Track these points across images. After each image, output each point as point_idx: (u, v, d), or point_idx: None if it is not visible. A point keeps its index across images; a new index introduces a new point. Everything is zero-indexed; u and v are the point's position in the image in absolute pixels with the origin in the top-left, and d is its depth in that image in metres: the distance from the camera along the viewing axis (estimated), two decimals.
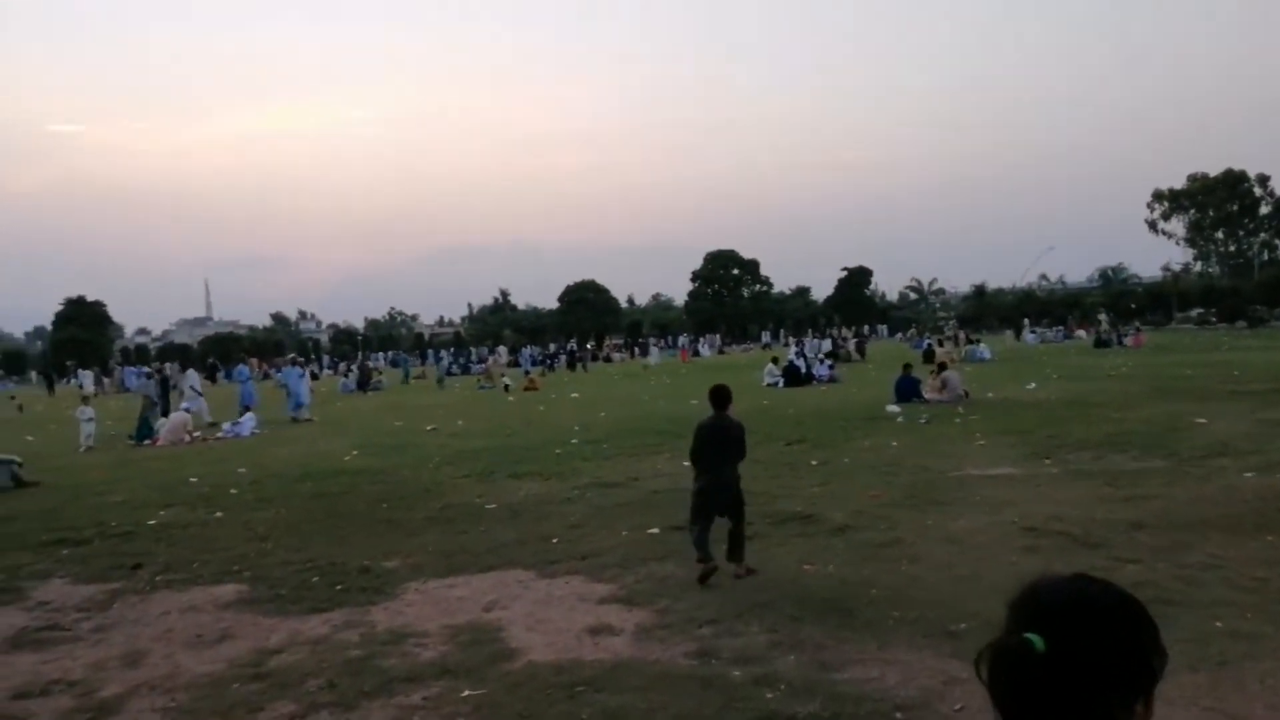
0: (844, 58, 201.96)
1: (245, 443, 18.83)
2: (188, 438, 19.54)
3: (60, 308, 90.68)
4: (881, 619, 5.43)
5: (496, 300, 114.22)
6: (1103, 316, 56.26)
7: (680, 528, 8.07)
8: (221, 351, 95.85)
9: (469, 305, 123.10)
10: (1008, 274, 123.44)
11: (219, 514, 10.24)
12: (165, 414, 21.82)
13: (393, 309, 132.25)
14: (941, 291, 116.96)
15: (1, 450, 16.76)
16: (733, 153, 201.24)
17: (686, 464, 12.00)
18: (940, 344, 39.84)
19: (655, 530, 8.06)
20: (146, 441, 19.45)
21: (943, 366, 19.44)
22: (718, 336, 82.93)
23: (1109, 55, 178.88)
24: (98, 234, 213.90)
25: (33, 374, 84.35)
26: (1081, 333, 55.52)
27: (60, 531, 9.52)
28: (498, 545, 7.88)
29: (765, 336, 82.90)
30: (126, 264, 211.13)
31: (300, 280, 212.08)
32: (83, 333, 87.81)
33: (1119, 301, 75.23)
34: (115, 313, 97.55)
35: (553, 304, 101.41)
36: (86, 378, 46.82)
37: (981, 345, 36.75)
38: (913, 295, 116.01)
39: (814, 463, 11.38)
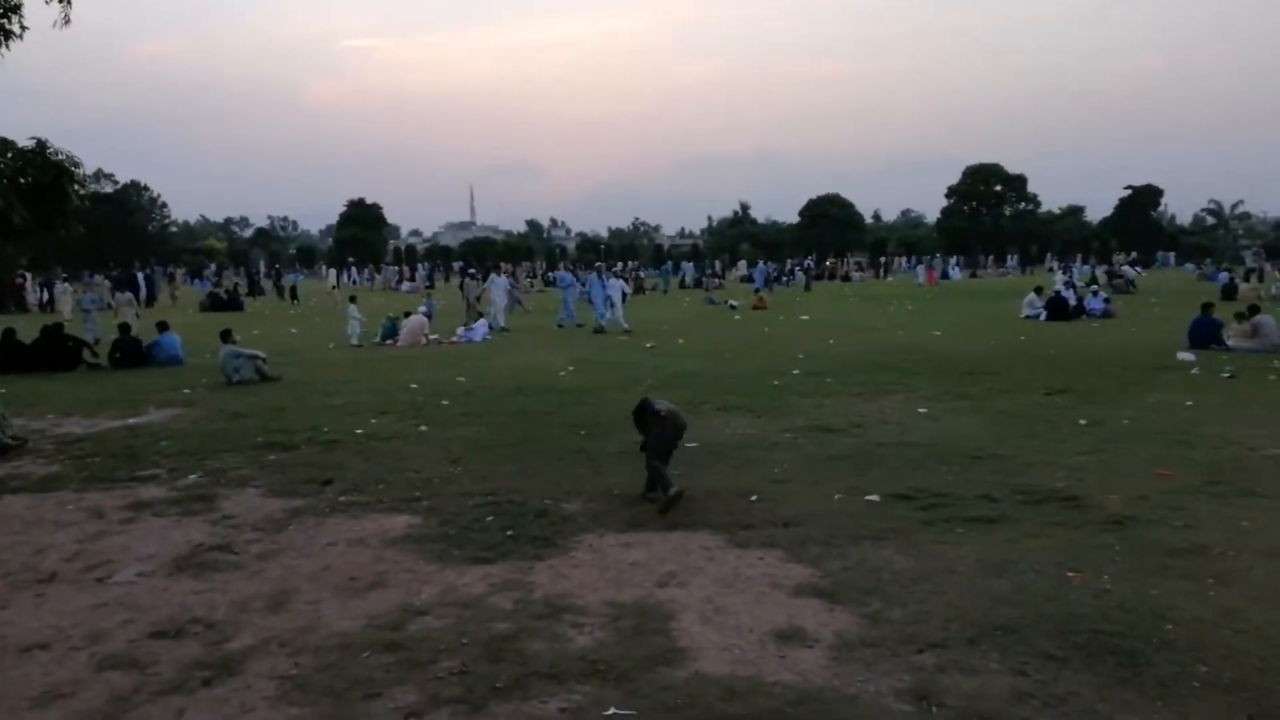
0: None
1: (475, 349, 19.19)
2: (424, 340, 20.24)
3: (344, 209, 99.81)
4: (1181, 675, 3.93)
5: (736, 213, 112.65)
6: None
7: (908, 496, 6.78)
8: (479, 254, 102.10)
9: (709, 218, 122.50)
10: None
11: (423, 427, 10.07)
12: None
13: (637, 219, 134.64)
14: (1247, 215, 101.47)
15: (264, 343, 18.10)
16: (1000, 59, 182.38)
17: (923, 410, 10.54)
18: (1245, 278, 34.09)
19: (875, 497, 6.77)
20: (389, 341, 20.36)
21: (1255, 309, 16.09)
22: (987, 257, 75.88)
23: None
24: (381, 142, 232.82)
25: (322, 266, 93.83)
26: None
27: (276, 434, 9.70)
28: (689, 497, 6.93)
29: (1011, 260, 74.38)
30: (405, 170, 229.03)
31: (555, 188, 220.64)
32: (362, 232, 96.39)
33: None
34: (393, 215, 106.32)
35: (794, 218, 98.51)
36: (331, 274, 50.25)
37: None
38: (1209, 219, 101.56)
39: (1082, 421, 9.46)
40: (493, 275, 26.99)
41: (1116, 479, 7.17)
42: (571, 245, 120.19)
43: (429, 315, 22.89)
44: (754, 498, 6.88)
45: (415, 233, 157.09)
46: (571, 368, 15.07)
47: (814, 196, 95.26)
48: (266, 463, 8.50)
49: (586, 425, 9.89)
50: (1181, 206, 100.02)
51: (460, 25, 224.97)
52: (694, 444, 8.74)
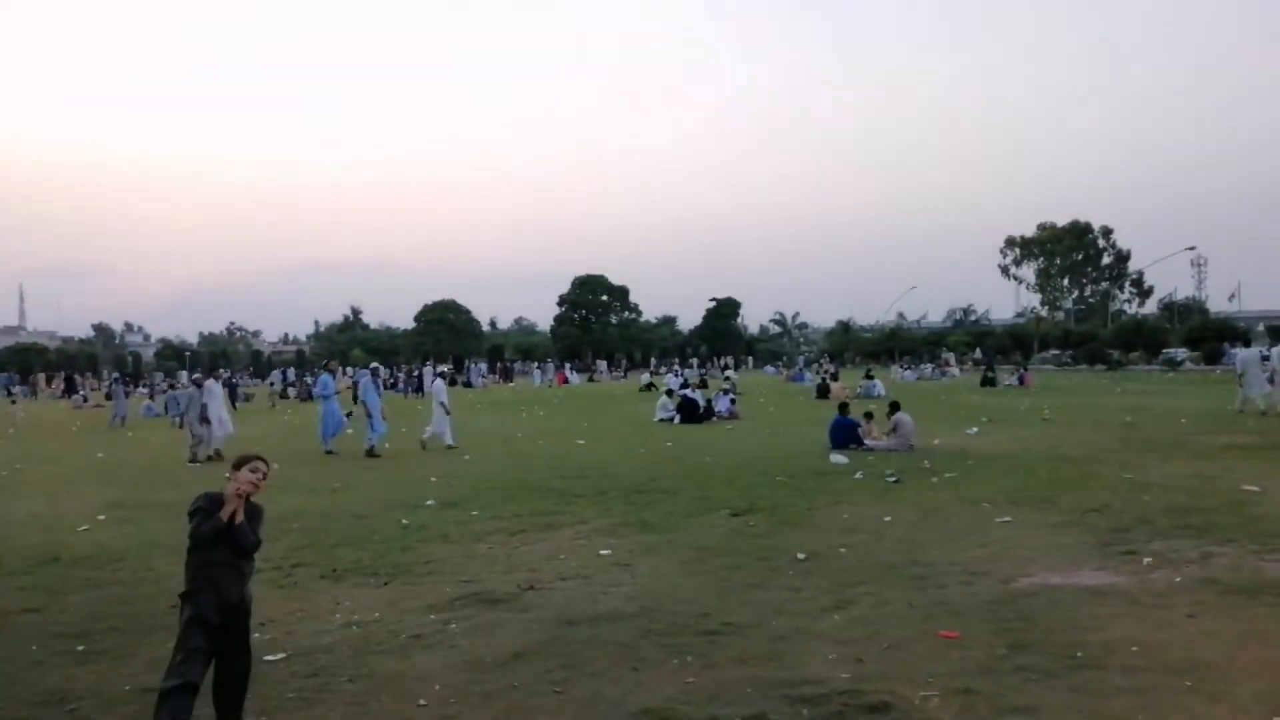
0: (706, 102, 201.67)
1: None
2: None
3: None
4: None
5: (346, 318, 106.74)
6: (978, 354, 56.37)
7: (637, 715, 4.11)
8: (24, 364, 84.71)
9: (315, 322, 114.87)
10: (869, 311, 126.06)
11: None
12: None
13: (232, 324, 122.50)
14: (805, 325, 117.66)
15: None
16: (592, 185, 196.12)
17: (606, 551, 8.08)
18: (834, 378, 37.43)
19: None
20: None
21: (896, 405, 16.25)
22: (598, 360, 77.80)
23: (973, 111, 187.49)
24: None
25: None
26: (954, 370, 54.98)
27: None
28: None
29: (600, 365, 77.26)
30: None
31: (131, 290, 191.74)
32: None
33: (981, 341, 76.68)
34: None
35: (409, 324, 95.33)
36: None
37: (876, 380, 34.36)
38: (776, 328, 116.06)
39: (800, 556, 7.60)
40: (209, 382, 19.02)
41: (900, 655, 5.15)
42: (150, 352, 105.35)
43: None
44: None
45: None
46: (103, 516, 10.57)
47: (430, 302, 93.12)
48: None
49: (93, 631, 6.00)
50: (752, 317, 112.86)
51: (11, 105, 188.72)
52: (280, 654, 5.37)
